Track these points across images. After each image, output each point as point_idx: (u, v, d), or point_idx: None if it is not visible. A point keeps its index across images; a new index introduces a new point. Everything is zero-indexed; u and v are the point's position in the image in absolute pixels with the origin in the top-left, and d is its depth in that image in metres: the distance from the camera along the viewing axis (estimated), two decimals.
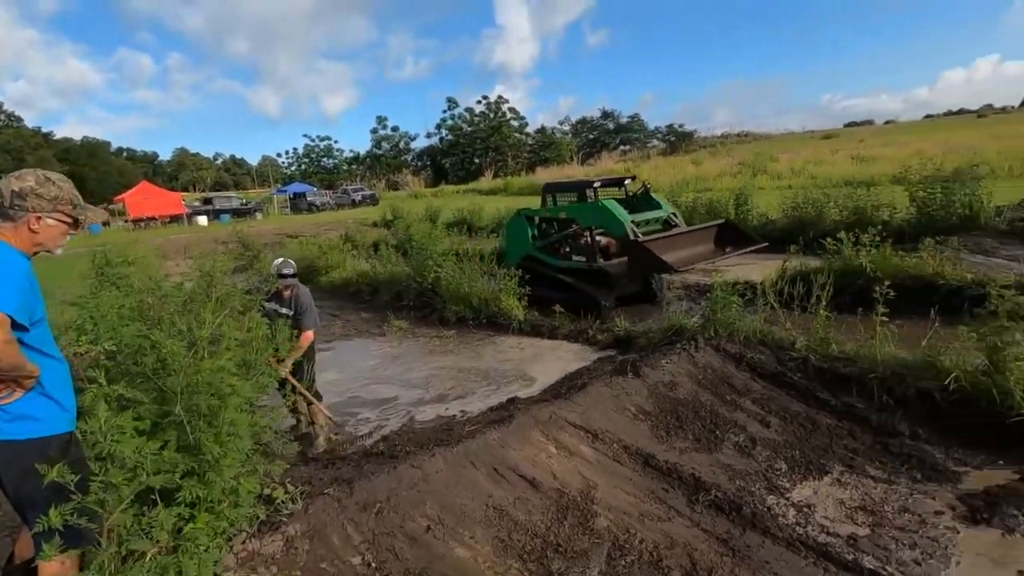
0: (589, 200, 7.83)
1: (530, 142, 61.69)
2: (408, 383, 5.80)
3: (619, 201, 7.79)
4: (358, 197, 37.48)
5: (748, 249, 7.33)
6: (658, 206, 8.02)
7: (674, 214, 8.05)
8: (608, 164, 41.96)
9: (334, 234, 17.44)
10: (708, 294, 5.36)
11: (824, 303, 4.62)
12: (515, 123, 61.88)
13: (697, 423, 3.88)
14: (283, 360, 3.95)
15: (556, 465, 3.25)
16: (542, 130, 63.20)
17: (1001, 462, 3.33)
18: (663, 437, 3.71)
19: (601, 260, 7.35)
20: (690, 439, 3.71)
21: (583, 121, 65.44)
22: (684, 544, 2.74)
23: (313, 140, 66.00)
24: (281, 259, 4.51)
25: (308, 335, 4.27)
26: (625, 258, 7.41)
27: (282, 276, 4.37)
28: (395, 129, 64.66)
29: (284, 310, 4.27)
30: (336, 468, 3.34)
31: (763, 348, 4.73)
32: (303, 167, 66.60)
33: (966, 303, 6.06)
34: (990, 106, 69.69)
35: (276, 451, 2.82)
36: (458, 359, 6.50)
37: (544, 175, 38.46)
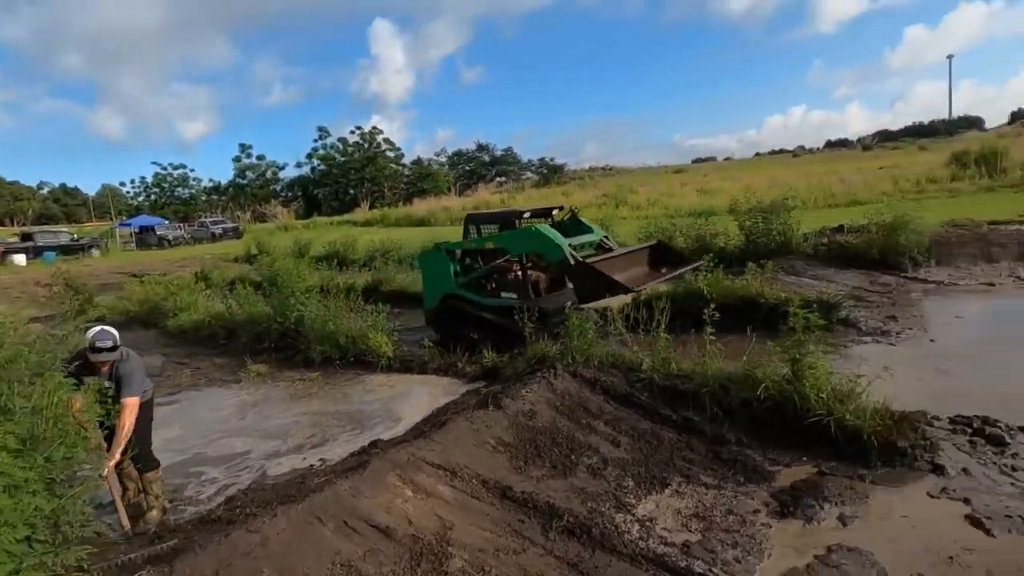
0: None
1: (407, 173, 61.41)
2: (264, 433, 5.37)
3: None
4: (218, 230, 34.53)
5: (684, 269, 7.18)
6: (589, 230, 7.53)
7: (606, 237, 7.61)
8: (484, 196, 43.02)
9: (187, 271, 15.83)
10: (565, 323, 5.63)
11: (664, 326, 5.07)
12: (391, 154, 61.35)
13: (555, 450, 4.02)
14: (110, 450, 3.42)
15: (412, 509, 3.17)
16: (419, 161, 63.26)
17: (804, 458, 3.84)
18: (521, 467, 3.79)
19: (532, 296, 6.86)
20: (547, 466, 3.82)
21: (459, 153, 66.69)
22: (537, 574, 2.80)
23: (165, 168, 59.74)
24: (97, 328, 3.66)
25: (129, 402, 3.56)
26: (562, 291, 7.07)
27: (96, 351, 3.55)
28: (260, 158, 60.88)
29: (107, 383, 3.56)
30: (162, 543, 2.95)
31: (615, 371, 5.06)
32: (153, 197, 59.97)
33: (780, 319, 7.08)
34: (802, 147, 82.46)
35: (82, 532, 2.44)
36: (323, 403, 6.16)
37: (422, 207, 38.40)
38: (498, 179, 62.86)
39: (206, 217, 41.34)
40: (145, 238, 32.86)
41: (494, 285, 7.26)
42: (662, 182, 40.44)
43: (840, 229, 11.66)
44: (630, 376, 4.95)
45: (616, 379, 4.95)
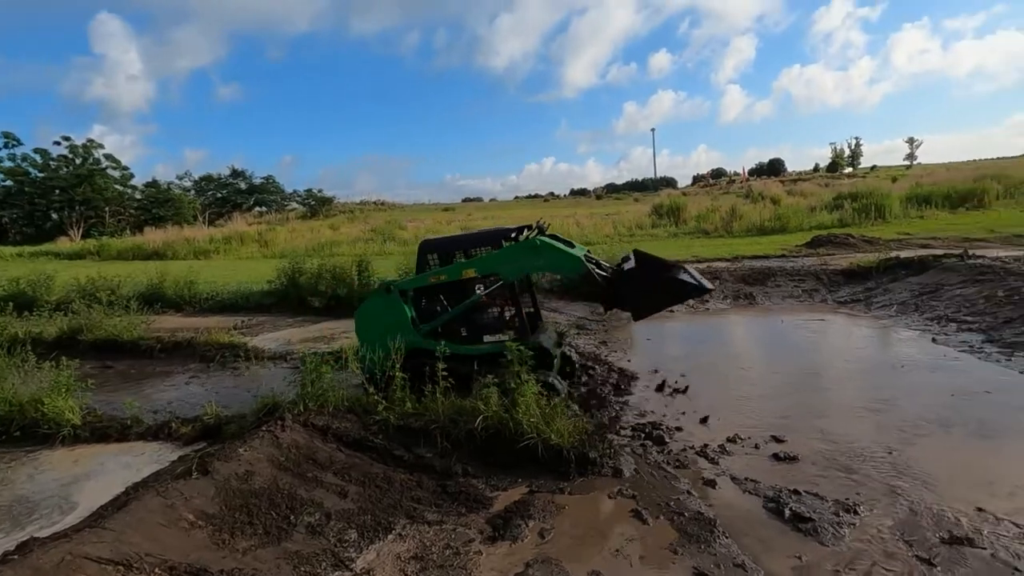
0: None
1: (138, 197, 51.93)
2: None
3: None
4: None
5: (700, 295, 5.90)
6: (571, 244, 6.06)
7: (588, 252, 6.13)
8: (241, 226, 38.78)
9: None
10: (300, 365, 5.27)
11: (399, 364, 5.10)
12: (115, 172, 51.27)
13: (271, 513, 3.64)
14: None
15: None
16: (155, 184, 54.11)
17: (520, 480, 4.19)
18: (226, 541, 3.33)
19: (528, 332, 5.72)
20: (259, 534, 3.43)
21: (209, 178, 59.26)
22: None
23: None
24: None
25: None
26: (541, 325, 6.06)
27: None
28: None
29: None
30: None
31: (350, 416, 4.88)
32: None
33: None
34: (552, 193, 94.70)
35: None
36: None
37: (156, 237, 32.69)
38: (257, 208, 57.50)
39: None
40: None
41: (464, 329, 5.83)
42: (431, 219, 41.97)
43: None
44: (366, 419, 4.83)
45: (350, 424, 4.77)
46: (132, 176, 52.89)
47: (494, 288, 5.82)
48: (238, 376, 7.51)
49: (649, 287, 5.21)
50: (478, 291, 5.88)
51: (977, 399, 5.15)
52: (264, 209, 57.58)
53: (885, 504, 3.58)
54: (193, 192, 57.54)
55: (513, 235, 6.07)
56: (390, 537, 3.53)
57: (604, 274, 5.48)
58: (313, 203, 57.19)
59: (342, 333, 9.93)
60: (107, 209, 46.87)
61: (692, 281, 5.09)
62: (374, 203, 70.73)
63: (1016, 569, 2.89)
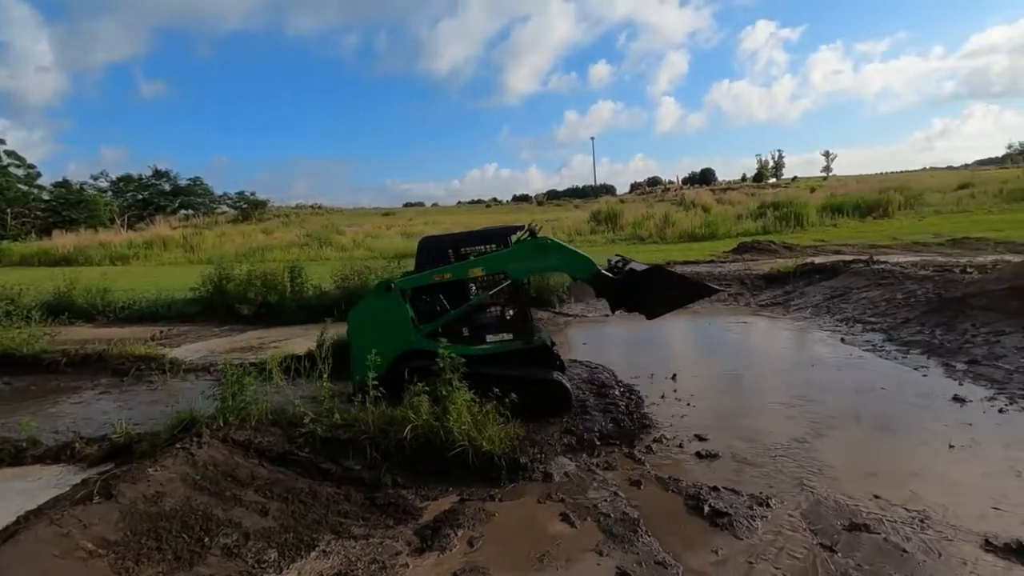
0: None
1: (46, 197, 47.89)
2: None
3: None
4: None
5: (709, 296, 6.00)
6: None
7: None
8: (164, 230, 36.55)
9: None
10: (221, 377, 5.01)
11: (327, 373, 4.95)
12: (19, 171, 47.09)
13: (183, 536, 3.43)
14: None
15: None
16: (66, 184, 50.02)
17: (451, 489, 4.16)
18: (129, 569, 3.10)
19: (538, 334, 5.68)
20: (168, 560, 3.22)
21: (128, 179, 55.47)
22: None
23: None
24: None
25: None
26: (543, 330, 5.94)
27: None
28: None
29: None
30: None
31: (275, 429, 4.69)
32: None
33: None
34: (495, 199, 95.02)
35: None
36: None
37: (67, 240, 30.26)
38: (183, 211, 54.39)
39: None
40: None
41: (466, 329, 5.64)
42: (371, 224, 41.13)
43: None
44: (291, 432, 4.65)
45: (275, 438, 4.58)
46: (39, 175, 48.80)
47: (501, 288, 5.60)
48: (155, 391, 7.05)
49: (666, 286, 5.36)
50: (472, 291, 5.73)
51: (876, 395, 5.57)
52: (191, 212, 54.52)
53: (794, 496, 3.80)
54: (110, 193, 53.70)
55: (518, 234, 6.03)
56: (313, 554, 3.40)
57: (612, 276, 5.57)
58: (245, 206, 54.67)
59: (272, 343, 9.55)
60: (9, 211, 42.92)
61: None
62: (311, 207, 68.58)
63: (904, 551, 3.14)
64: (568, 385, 5.48)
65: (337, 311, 9.26)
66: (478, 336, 5.63)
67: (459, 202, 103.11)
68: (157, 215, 48.97)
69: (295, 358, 5.52)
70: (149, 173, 56.22)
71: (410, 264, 13.30)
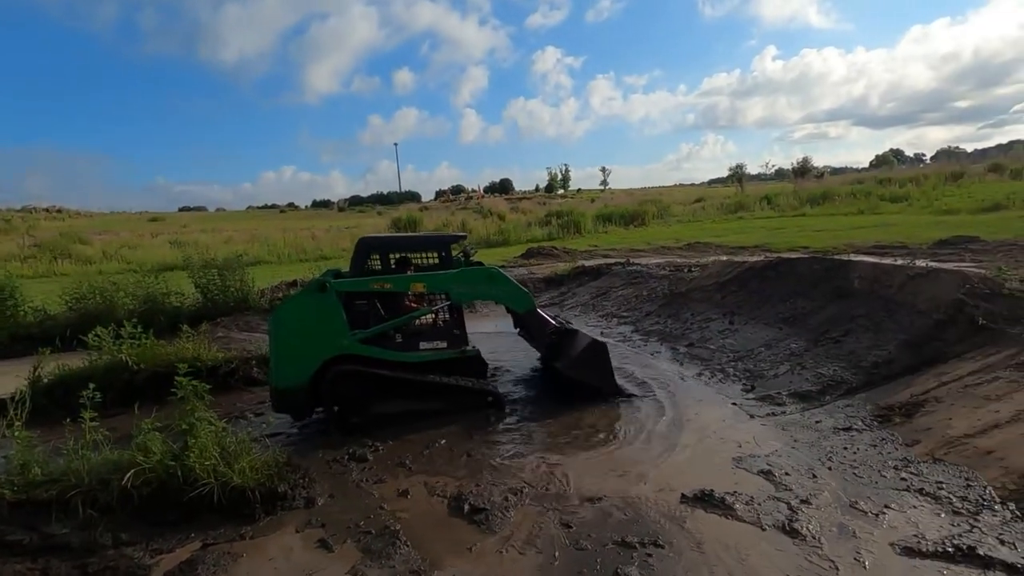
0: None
1: None
2: None
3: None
4: None
5: None
6: None
7: None
8: None
9: None
10: None
11: (22, 420, 4.00)
12: None
13: None
14: None
15: None
16: None
17: (192, 535, 3.66)
18: None
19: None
20: None
21: None
22: None
23: None
24: None
25: None
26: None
27: None
28: None
29: None
30: None
31: None
32: None
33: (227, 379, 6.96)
34: (292, 204, 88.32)
35: None
36: None
37: None
38: None
39: None
40: None
41: (399, 336, 5.47)
42: (130, 230, 34.90)
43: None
44: None
45: None
46: None
47: (441, 307, 5.72)
48: None
49: (594, 363, 5.60)
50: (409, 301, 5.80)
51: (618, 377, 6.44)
52: None
53: (544, 480, 4.18)
54: None
55: (460, 242, 6.48)
56: None
57: (555, 326, 5.97)
58: None
59: None
60: None
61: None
62: (46, 210, 55.74)
63: (615, 509, 3.67)
64: (500, 392, 5.77)
65: (63, 339, 7.62)
66: (411, 343, 5.49)
67: (250, 207, 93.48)
68: None
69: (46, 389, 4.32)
70: None
71: (178, 279, 11.61)
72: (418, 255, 6.15)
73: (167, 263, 20.13)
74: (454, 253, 6.14)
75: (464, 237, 6.54)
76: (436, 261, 5.89)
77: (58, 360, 6.57)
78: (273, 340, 5.29)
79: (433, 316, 5.77)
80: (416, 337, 5.55)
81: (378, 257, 5.90)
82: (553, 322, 6.14)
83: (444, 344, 5.57)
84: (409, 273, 5.80)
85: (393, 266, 5.93)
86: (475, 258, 6.49)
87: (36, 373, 6.33)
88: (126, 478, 3.62)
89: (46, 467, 3.87)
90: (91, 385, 4.13)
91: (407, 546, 3.43)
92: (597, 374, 5.60)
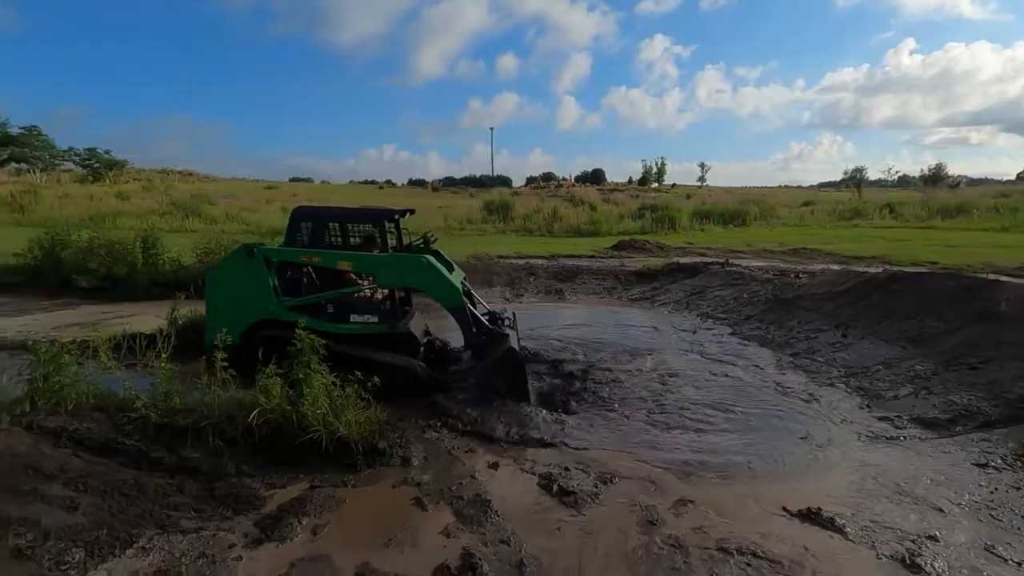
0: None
1: None
2: None
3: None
4: None
5: None
6: (451, 267, 5.95)
7: (465, 279, 6.08)
8: None
9: None
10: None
11: (167, 354, 4.48)
12: None
13: None
14: None
15: None
16: None
17: (301, 476, 3.96)
18: None
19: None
20: None
21: None
22: None
23: None
24: None
25: None
26: (410, 310, 5.89)
27: None
28: None
29: None
30: None
31: (98, 415, 4.16)
32: None
33: None
34: (389, 181, 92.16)
35: None
36: None
37: None
38: (15, 165, 46.48)
39: None
40: None
41: (331, 308, 5.49)
42: (250, 196, 38.02)
43: None
44: (118, 419, 4.15)
45: (97, 425, 4.06)
46: None
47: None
48: None
49: (505, 372, 5.35)
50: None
51: (722, 381, 6.16)
52: (24, 167, 46.63)
53: (633, 471, 4.10)
54: None
55: (396, 217, 6.13)
56: (130, 552, 3.07)
57: (483, 325, 5.55)
58: (97, 165, 47.83)
59: (116, 318, 8.51)
60: None
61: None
62: (180, 172, 61.91)
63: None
64: (423, 373, 5.45)
65: (195, 287, 8.46)
66: (342, 315, 5.50)
67: (351, 181, 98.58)
68: None
69: (132, 337, 4.90)
70: None
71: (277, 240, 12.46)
72: (365, 228, 6.13)
73: (279, 227, 21.77)
74: (414, 240, 6.35)
75: (411, 212, 6.37)
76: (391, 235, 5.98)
77: (191, 306, 7.29)
78: (207, 301, 5.50)
79: (371, 291, 5.77)
80: (347, 309, 5.54)
81: (337, 227, 6.10)
82: (486, 322, 5.77)
83: (375, 319, 5.52)
84: (349, 252, 5.83)
85: (337, 238, 6.14)
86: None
87: (173, 314, 7.07)
88: (252, 416, 3.96)
89: (184, 398, 4.33)
90: (223, 329, 4.54)
91: (497, 516, 3.50)
92: (507, 383, 5.32)
